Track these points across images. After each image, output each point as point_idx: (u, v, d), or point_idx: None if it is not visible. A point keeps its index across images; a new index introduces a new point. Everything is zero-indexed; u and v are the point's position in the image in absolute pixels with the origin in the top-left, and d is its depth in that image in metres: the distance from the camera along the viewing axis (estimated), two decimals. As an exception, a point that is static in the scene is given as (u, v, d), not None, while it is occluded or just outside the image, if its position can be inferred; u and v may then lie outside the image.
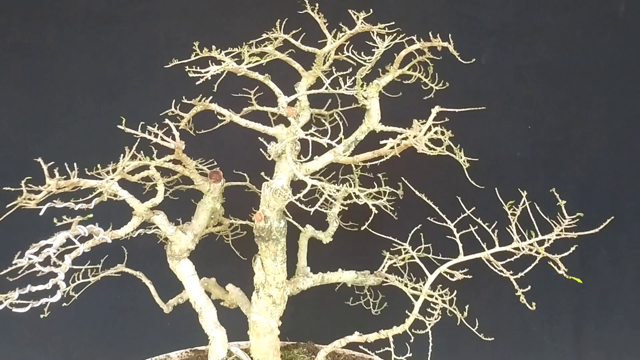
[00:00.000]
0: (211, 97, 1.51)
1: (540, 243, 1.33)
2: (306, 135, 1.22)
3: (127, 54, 2.32)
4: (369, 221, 1.31)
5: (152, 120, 2.24)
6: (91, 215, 1.29)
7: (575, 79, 2.21)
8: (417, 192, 1.40)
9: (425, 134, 1.25)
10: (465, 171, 1.46)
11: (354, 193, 1.25)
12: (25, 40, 2.31)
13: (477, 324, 1.46)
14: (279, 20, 1.55)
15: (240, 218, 1.81)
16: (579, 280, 1.29)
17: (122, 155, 1.41)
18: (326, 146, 1.21)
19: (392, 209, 1.50)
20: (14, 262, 1.22)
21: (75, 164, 1.35)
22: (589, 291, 2.29)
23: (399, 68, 1.51)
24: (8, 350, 2.45)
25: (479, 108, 1.38)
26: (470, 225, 1.40)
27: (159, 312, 1.96)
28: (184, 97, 1.53)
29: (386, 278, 1.62)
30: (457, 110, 1.30)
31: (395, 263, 1.57)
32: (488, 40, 2.19)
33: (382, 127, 1.48)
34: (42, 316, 1.54)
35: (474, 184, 1.47)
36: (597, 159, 2.23)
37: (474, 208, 1.40)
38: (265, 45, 1.55)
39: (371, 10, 1.46)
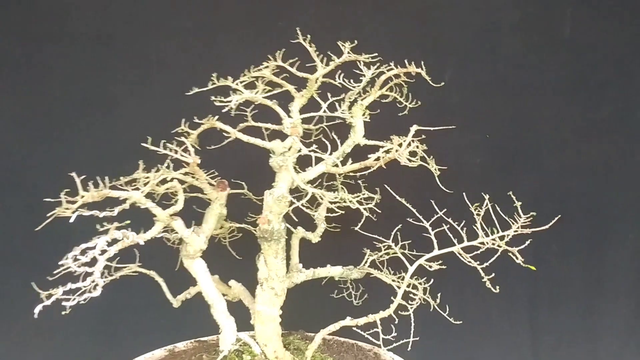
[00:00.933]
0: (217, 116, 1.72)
1: (501, 238, 1.59)
2: (309, 151, 1.46)
3: (120, 71, 2.47)
4: (360, 223, 1.54)
5: (145, 134, 2.44)
6: (129, 222, 1.49)
7: (527, 93, 2.45)
8: (397, 197, 1.64)
9: (406, 148, 1.49)
10: (437, 178, 1.72)
11: (348, 200, 1.48)
12: (24, 58, 2.47)
13: (447, 309, 1.71)
14: (276, 50, 1.76)
15: (236, 222, 2.02)
16: (533, 268, 1.55)
17: (140, 168, 1.62)
18: (325, 158, 1.44)
19: (376, 212, 1.72)
20: (60, 263, 1.42)
21: (102, 177, 1.56)
22: (541, 282, 2.54)
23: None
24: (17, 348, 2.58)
25: (450, 127, 1.63)
26: (442, 224, 1.64)
27: (158, 308, 2.17)
28: (194, 117, 1.73)
29: (369, 272, 1.87)
30: (431, 128, 1.55)
31: (376, 259, 1.82)
32: (450, 60, 2.43)
33: (365, 141, 1.72)
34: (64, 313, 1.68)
35: (444, 189, 1.72)
36: (547, 165, 2.49)
37: (445, 210, 1.65)
38: (260, 69, 1.78)
39: (356, 41, 1.70)
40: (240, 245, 2.05)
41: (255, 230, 1.95)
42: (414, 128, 1.55)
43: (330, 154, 1.64)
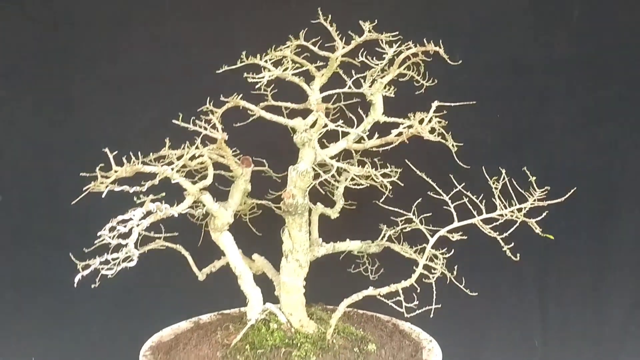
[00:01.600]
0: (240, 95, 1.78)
1: (519, 210, 1.65)
2: (336, 126, 1.51)
3: (135, 52, 2.52)
4: (384, 196, 1.59)
5: (160, 113, 2.50)
6: (164, 194, 1.54)
7: (537, 72, 2.51)
8: (417, 171, 1.70)
9: (427, 124, 1.55)
10: (454, 154, 1.78)
11: (373, 174, 1.53)
12: (40, 40, 2.51)
13: (462, 281, 1.78)
14: (288, 31, 1.81)
15: (256, 199, 2.08)
16: (551, 237, 1.61)
17: (166, 145, 1.68)
18: (352, 132, 1.49)
19: (395, 187, 1.78)
20: (99, 234, 1.48)
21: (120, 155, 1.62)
22: (549, 257, 2.61)
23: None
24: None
25: (470, 102, 1.68)
26: (462, 197, 1.70)
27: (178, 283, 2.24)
28: (220, 95, 1.78)
29: (387, 246, 1.93)
30: (452, 104, 1.61)
31: (392, 234, 1.89)
32: (462, 41, 2.48)
33: (384, 118, 1.78)
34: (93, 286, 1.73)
35: (461, 164, 1.78)
36: (556, 143, 2.55)
37: (463, 184, 1.70)
38: (281, 49, 1.83)
39: (376, 20, 1.75)
40: (259, 221, 2.11)
41: (275, 207, 2.04)
42: (435, 104, 1.60)
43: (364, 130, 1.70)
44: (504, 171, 1.71)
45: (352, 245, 1.94)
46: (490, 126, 2.52)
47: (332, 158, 1.79)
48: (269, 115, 1.78)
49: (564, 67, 2.50)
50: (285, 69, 1.66)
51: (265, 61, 1.67)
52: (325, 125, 1.59)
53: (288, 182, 1.72)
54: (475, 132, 2.49)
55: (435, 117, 1.60)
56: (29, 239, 2.61)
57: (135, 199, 1.54)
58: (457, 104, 1.61)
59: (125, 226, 1.44)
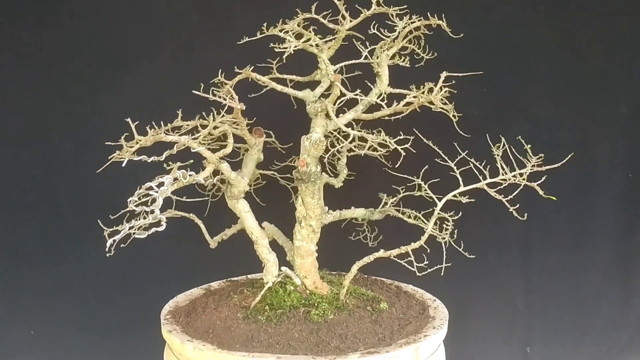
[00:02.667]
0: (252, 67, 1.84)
1: (520, 175, 1.76)
2: (354, 95, 1.59)
3: (131, 28, 2.54)
4: (399, 162, 1.68)
5: (161, 87, 2.54)
6: (192, 161, 1.60)
7: (520, 48, 2.63)
8: (424, 140, 1.79)
9: (437, 93, 1.64)
10: (455, 125, 1.87)
11: (389, 141, 1.61)
12: (36, 16, 2.52)
13: (462, 245, 1.89)
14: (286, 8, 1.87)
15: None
16: (554, 198, 1.72)
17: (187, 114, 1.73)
18: (369, 100, 1.57)
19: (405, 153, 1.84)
20: (129, 200, 1.53)
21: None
22: (532, 226, 2.74)
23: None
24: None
25: (477, 73, 1.78)
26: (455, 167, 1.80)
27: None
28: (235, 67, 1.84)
29: (389, 213, 2.03)
30: (460, 74, 1.70)
31: (391, 203, 1.99)
32: (451, 17, 2.57)
33: (390, 89, 1.86)
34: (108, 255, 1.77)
35: (462, 133, 1.88)
36: (538, 115, 2.67)
37: (466, 151, 1.80)
38: (286, 23, 1.89)
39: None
40: (262, 192, 2.18)
41: (280, 177, 2.11)
42: (443, 74, 1.69)
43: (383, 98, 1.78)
44: (503, 139, 1.80)
45: (356, 213, 2.03)
46: (477, 100, 2.62)
47: (334, 130, 1.89)
48: (279, 87, 1.85)
49: (547, 43, 2.62)
50: (307, 40, 1.72)
51: (287, 33, 1.72)
52: (341, 95, 1.67)
53: (301, 151, 1.79)
54: (461, 104, 2.60)
55: (444, 86, 1.68)
56: (25, 212, 2.62)
57: (165, 166, 1.59)
58: (465, 74, 1.70)
59: (155, 192, 1.48)
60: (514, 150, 1.81)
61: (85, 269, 2.67)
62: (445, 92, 1.70)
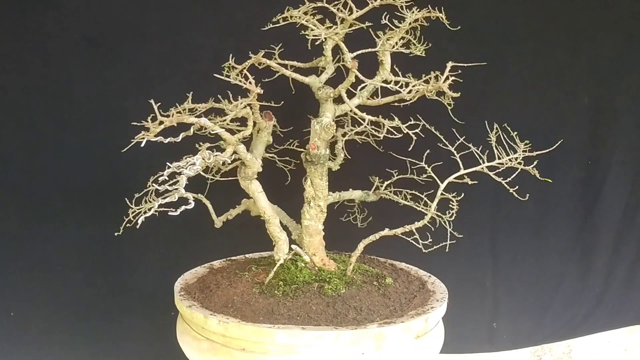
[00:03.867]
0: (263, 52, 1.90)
1: (516, 159, 1.89)
2: (370, 81, 1.69)
3: (116, 10, 2.53)
4: (412, 145, 1.78)
5: (144, 72, 2.55)
6: (223, 142, 1.66)
7: (496, 41, 2.78)
8: (427, 125, 1.89)
9: (444, 81, 1.76)
10: (450, 112, 1.99)
11: (402, 126, 1.72)
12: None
13: (451, 226, 2.01)
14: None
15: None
16: (549, 180, 1.87)
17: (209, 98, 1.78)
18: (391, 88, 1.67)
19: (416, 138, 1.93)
20: (160, 179, 1.57)
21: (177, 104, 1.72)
22: (499, 210, 2.92)
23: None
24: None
25: (482, 63, 1.90)
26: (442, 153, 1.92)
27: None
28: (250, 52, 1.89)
29: (382, 195, 2.14)
30: (465, 64, 1.81)
31: (388, 185, 2.10)
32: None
33: (392, 76, 1.96)
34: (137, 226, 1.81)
35: (456, 119, 2.00)
36: (510, 104, 2.83)
37: (464, 137, 1.93)
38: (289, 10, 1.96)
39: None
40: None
41: (278, 160, 2.19)
42: (449, 64, 1.80)
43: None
44: (495, 125, 1.93)
45: (354, 194, 2.13)
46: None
47: (346, 113, 1.98)
48: (288, 73, 1.92)
49: (519, 35, 2.79)
50: (329, 27, 1.79)
51: (307, 20, 1.79)
52: (357, 80, 1.76)
53: (311, 134, 1.88)
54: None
55: (451, 75, 1.80)
56: (4, 192, 2.59)
57: (197, 145, 1.64)
58: (469, 64, 1.82)
59: (189, 168, 1.53)
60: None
61: (66, 250, 2.66)
62: (451, 81, 1.80)
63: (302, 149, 2.16)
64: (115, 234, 1.92)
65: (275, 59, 2.01)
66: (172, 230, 2.62)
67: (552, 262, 3.01)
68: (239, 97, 1.83)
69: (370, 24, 1.90)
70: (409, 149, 1.85)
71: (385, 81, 1.79)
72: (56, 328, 2.70)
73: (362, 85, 1.79)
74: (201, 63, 2.63)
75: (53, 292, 2.68)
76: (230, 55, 1.92)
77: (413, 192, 2.05)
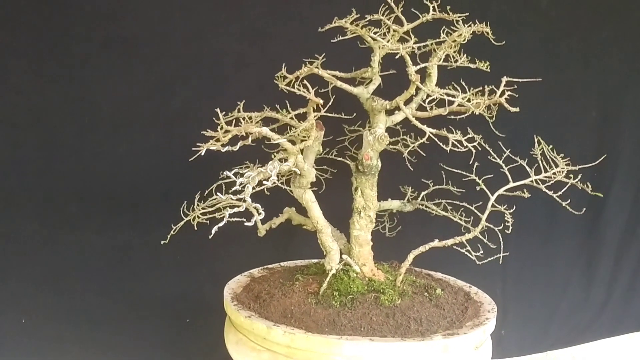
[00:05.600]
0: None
1: (560, 172, 1.94)
2: (434, 92, 1.71)
3: (141, 12, 2.51)
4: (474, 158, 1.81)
5: (164, 75, 2.52)
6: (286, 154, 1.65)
7: (507, 54, 2.82)
8: (477, 137, 1.91)
9: (501, 96, 1.79)
10: (491, 125, 2.03)
11: (459, 139, 1.74)
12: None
13: (486, 237, 2.05)
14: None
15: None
16: (600, 195, 1.93)
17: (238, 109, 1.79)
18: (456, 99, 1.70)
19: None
20: (239, 185, 1.55)
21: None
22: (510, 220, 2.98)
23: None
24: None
25: (537, 79, 1.94)
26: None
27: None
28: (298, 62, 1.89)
29: (420, 205, 2.17)
30: (520, 80, 1.85)
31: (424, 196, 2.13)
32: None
33: (437, 89, 1.98)
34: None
35: (497, 133, 2.04)
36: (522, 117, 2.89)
37: (510, 149, 1.97)
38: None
39: (439, 0, 1.95)
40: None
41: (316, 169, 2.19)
42: (504, 79, 1.84)
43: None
44: (537, 137, 1.98)
45: (393, 204, 2.15)
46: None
47: (398, 123, 2.00)
48: (339, 83, 1.93)
49: (530, 49, 2.86)
50: (390, 40, 1.81)
51: (376, 32, 1.81)
52: (418, 92, 1.78)
53: (364, 145, 1.89)
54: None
55: (507, 90, 1.83)
56: (22, 197, 2.52)
57: (273, 155, 1.63)
58: (525, 80, 1.86)
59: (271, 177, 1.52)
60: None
61: (81, 257, 2.61)
62: (508, 95, 1.84)
63: (340, 158, 2.18)
64: (162, 242, 1.90)
65: (317, 68, 2.02)
66: (187, 237, 2.59)
67: (559, 271, 3.09)
68: (286, 104, 1.85)
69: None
70: (470, 162, 1.87)
71: (448, 94, 1.79)
72: (68, 336, 2.64)
73: (407, 97, 1.81)
74: (223, 68, 2.62)
75: (66, 299, 2.61)
76: (283, 64, 1.91)
77: (455, 202, 2.09)
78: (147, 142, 2.59)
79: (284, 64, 1.91)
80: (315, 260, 2.18)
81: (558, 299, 3.10)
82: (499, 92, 1.82)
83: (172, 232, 1.87)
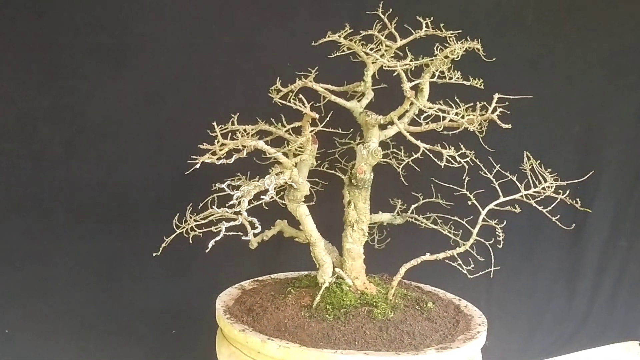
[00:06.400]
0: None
1: (548, 188, 1.97)
2: (428, 107, 1.73)
3: (133, 22, 2.50)
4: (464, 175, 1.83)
5: (155, 86, 2.52)
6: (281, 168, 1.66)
7: (495, 68, 2.87)
8: (468, 152, 1.94)
9: (492, 113, 1.82)
10: (481, 140, 2.06)
11: (457, 155, 1.77)
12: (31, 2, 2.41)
13: (474, 250, 2.08)
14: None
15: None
16: (589, 210, 1.96)
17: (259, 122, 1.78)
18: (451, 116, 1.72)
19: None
20: (236, 199, 1.55)
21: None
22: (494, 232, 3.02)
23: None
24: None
25: (528, 97, 1.97)
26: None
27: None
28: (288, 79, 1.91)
29: (409, 218, 2.19)
30: (512, 97, 1.88)
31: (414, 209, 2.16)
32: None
33: (429, 104, 2.01)
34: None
35: (487, 148, 2.07)
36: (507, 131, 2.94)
37: (506, 165, 1.99)
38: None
39: (432, 17, 1.98)
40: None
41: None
42: (496, 96, 1.86)
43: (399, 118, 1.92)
44: (526, 153, 2.01)
45: (383, 217, 2.16)
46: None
47: (388, 139, 2.02)
48: (333, 97, 1.95)
49: (517, 63, 2.89)
50: (380, 52, 1.84)
51: (371, 48, 1.83)
52: (411, 107, 1.80)
53: (357, 159, 1.90)
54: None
55: (499, 107, 1.86)
56: (9, 206, 2.49)
57: (270, 170, 1.64)
58: (516, 97, 1.89)
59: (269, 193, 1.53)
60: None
61: (68, 265, 2.58)
62: (500, 111, 1.86)
63: (331, 171, 2.19)
64: (154, 254, 1.89)
65: (311, 82, 2.03)
66: (174, 247, 2.58)
67: (542, 282, 3.14)
68: (279, 116, 1.87)
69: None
70: (463, 177, 1.90)
71: (441, 109, 1.82)
72: (53, 346, 2.61)
73: (401, 112, 1.84)
74: (213, 79, 2.62)
75: (52, 309, 2.59)
76: (277, 78, 1.92)
77: (445, 215, 2.11)
78: (136, 152, 2.58)
79: (278, 78, 1.92)
80: (306, 273, 2.18)
81: (542, 310, 3.14)
82: (490, 108, 1.84)
83: (164, 244, 1.87)
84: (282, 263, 2.69)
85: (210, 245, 1.55)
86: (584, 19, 2.94)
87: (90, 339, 2.64)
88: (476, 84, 1.88)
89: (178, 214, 1.82)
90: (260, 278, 2.20)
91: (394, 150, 2.20)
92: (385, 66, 1.82)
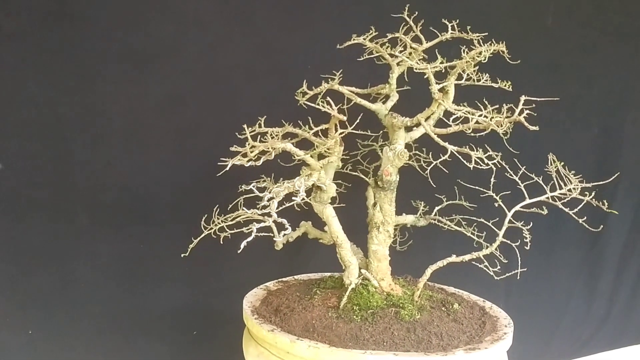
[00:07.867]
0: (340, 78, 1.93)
1: (575, 189, 1.98)
2: (455, 109, 1.74)
3: (155, 26, 2.53)
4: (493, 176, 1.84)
5: (176, 90, 2.54)
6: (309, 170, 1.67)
7: (514, 71, 2.88)
8: (494, 153, 1.94)
9: (520, 114, 1.82)
10: (505, 141, 2.06)
11: (485, 157, 1.77)
12: (58, 5, 2.43)
13: (498, 251, 2.08)
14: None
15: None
16: (615, 212, 1.96)
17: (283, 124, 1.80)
18: (475, 117, 1.73)
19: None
20: (266, 201, 1.57)
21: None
22: (514, 234, 3.03)
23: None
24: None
25: (554, 98, 1.98)
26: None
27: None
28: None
29: (432, 220, 2.20)
30: (538, 99, 1.89)
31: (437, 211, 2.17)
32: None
33: (454, 106, 2.02)
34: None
35: (512, 150, 2.07)
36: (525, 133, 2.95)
37: (524, 166, 2.00)
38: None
39: (458, 20, 1.99)
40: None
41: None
42: (523, 97, 1.87)
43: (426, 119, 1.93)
44: (551, 155, 2.02)
45: (407, 219, 2.17)
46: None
47: (416, 140, 2.03)
48: (358, 99, 1.96)
49: (536, 67, 2.90)
50: (416, 59, 1.84)
51: (400, 50, 1.84)
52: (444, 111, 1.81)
53: (383, 161, 1.91)
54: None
55: (525, 108, 1.87)
56: (33, 207, 2.51)
57: (302, 171, 1.65)
58: (542, 99, 1.90)
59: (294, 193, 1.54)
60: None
61: (92, 268, 2.60)
62: (527, 114, 1.87)
63: (354, 173, 2.21)
64: (182, 255, 1.91)
65: (337, 85, 2.04)
66: (195, 249, 2.60)
67: (561, 284, 3.14)
68: (309, 119, 1.88)
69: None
70: (490, 179, 1.90)
71: (468, 111, 1.82)
72: (75, 347, 2.62)
73: (428, 114, 1.85)
74: (234, 83, 2.63)
75: (74, 310, 2.60)
76: (304, 80, 1.93)
77: (469, 217, 2.12)
78: (159, 155, 2.60)
79: (304, 80, 1.93)
80: (329, 274, 2.19)
81: (560, 312, 3.15)
82: (517, 111, 1.85)
83: (191, 245, 1.88)
84: (300, 264, 2.70)
85: (242, 246, 1.56)
86: (603, 22, 2.95)
87: (113, 340, 2.65)
88: (504, 86, 1.88)
89: (206, 215, 1.83)
90: (284, 279, 2.21)
91: (416, 152, 2.21)
92: (415, 68, 1.82)
